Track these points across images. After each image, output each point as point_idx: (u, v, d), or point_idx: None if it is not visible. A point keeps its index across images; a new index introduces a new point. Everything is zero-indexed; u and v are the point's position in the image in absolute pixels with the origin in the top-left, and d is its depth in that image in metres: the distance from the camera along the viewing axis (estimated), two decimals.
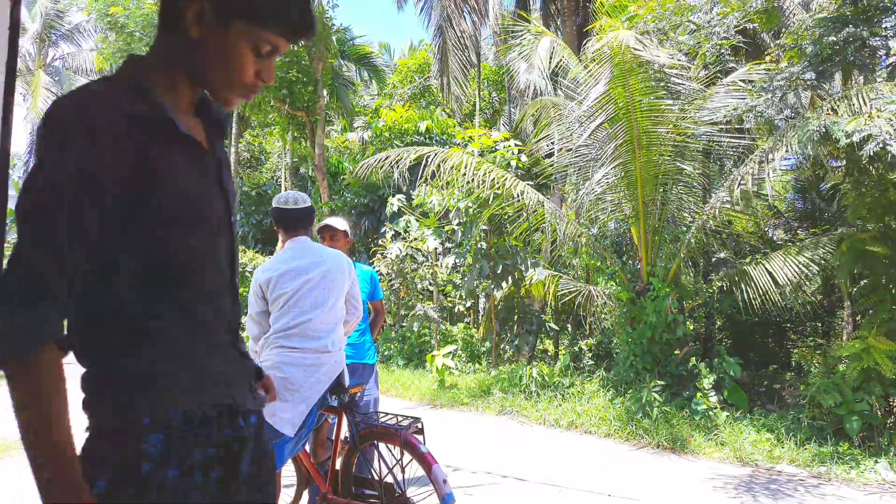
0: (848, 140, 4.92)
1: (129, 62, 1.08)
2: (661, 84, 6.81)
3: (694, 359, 6.85)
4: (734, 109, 6.35)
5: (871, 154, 4.94)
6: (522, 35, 9.51)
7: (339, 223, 3.63)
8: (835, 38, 5.39)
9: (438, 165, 7.59)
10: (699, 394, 6.38)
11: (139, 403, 0.99)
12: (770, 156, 5.91)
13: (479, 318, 11.49)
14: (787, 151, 5.87)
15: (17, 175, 26.48)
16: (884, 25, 5.30)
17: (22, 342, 0.89)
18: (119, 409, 0.99)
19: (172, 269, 1.04)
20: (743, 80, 6.82)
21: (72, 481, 0.88)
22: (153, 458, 0.97)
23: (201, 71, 1.08)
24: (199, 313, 1.07)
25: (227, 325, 1.13)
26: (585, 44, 7.59)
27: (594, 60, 6.88)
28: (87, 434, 1.02)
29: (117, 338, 1.00)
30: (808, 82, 5.69)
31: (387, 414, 3.18)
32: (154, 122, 1.01)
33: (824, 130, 5.29)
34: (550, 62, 8.71)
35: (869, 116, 4.99)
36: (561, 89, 8.62)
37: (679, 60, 6.80)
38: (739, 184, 6.22)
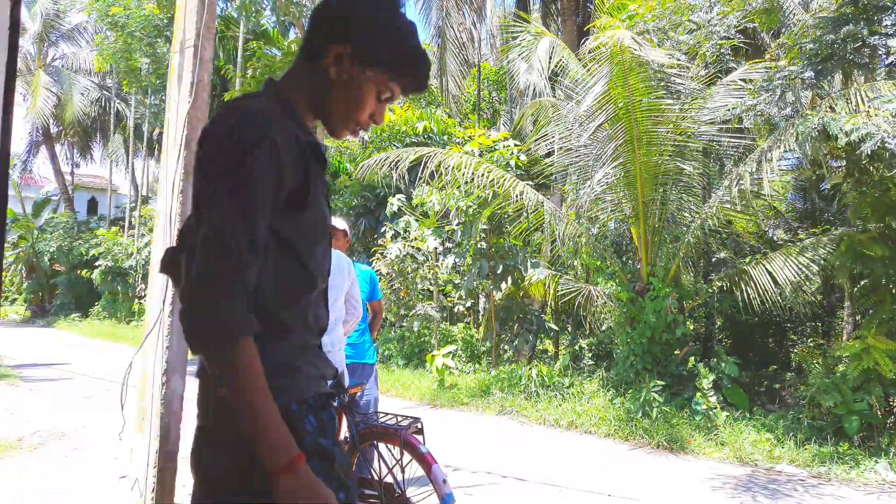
0: (847, 139, 4.92)
1: (273, 84, 1.21)
2: (661, 84, 6.80)
3: (692, 359, 6.85)
4: (734, 108, 6.34)
5: (871, 153, 4.94)
6: (522, 36, 9.51)
7: (339, 223, 3.63)
8: (834, 37, 5.39)
9: (438, 165, 7.59)
10: (699, 394, 6.38)
11: (287, 389, 1.10)
12: (768, 155, 5.91)
13: (480, 318, 11.48)
14: (785, 150, 5.87)
15: (16, 175, 26.50)
16: (883, 24, 5.30)
17: (234, 327, 0.98)
18: (283, 390, 1.09)
19: (305, 275, 1.16)
20: (742, 80, 6.82)
21: (286, 437, 1.01)
22: (311, 432, 1.11)
23: (326, 101, 1.19)
24: (310, 316, 1.19)
25: (320, 331, 1.25)
26: (583, 42, 7.59)
27: (592, 59, 6.88)
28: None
29: (264, 332, 1.07)
30: (808, 81, 5.69)
31: (386, 414, 3.18)
32: (311, 144, 1.13)
33: (822, 128, 5.29)
34: (550, 62, 8.70)
35: (867, 115, 4.99)
36: (561, 90, 8.61)
37: (678, 60, 6.80)
38: (738, 182, 6.22)
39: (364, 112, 1.19)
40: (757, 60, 7.15)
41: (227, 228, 0.99)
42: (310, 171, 1.11)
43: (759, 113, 6.10)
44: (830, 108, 5.57)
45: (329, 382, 1.26)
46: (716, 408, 6.26)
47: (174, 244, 1.30)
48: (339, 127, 1.21)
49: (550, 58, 8.59)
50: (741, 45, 8.02)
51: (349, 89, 1.17)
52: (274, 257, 1.09)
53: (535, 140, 8.48)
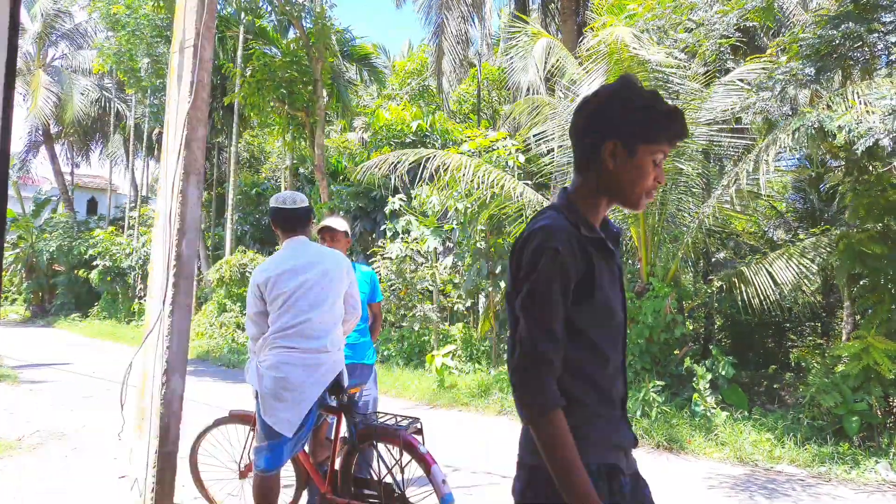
0: (843, 137, 4.92)
1: (565, 195, 1.43)
2: (660, 84, 6.80)
3: (688, 359, 6.83)
4: (733, 105, 6.33)
5: (866, 150, 4.94)
6: (518, 37, 9.51)
7: (340, 224, 3.63)
8: (834, 33, 5.39)
9: (437, 167, 7.58)
10: (696, 394, 6.38)
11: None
12: (765, 154, 5.92)
13: (479, 318, 11.48)
14: (781, 148, 5.87)
15: (15, 175, 26.48)
16: (882, 21, 5.29)
17: (544, 403, 1.24)
18: None
19: (597, 355, 1.34)
20: (740, 80, 6.82)
21: (588, 489, 1.21)
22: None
23: (619, 191, 1.38)
24: (604, 390, 1.35)
25: (620, 401, 1.40)
26: (581, 41, 7.58)
27: (588, 57, 6.87)
28: None
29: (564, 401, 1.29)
30: (807, 78, 5.69)
31: (386, 414, 3.18)
32: (595, 241, 1.35)
33: (819, 125, 5.29)
34: (546, 63, 8.70)
35: (862, 111, 4.99)
36: (561, 91, 8.61)
37: (677, 59, 6.79)
38: (735, 182, 6.21)
39: (648, 181, 1.37)
40: (756, 57, 7.14)
41: (533, 329, 1.26)
42: (593, 263, 1.32)
43: (758, 110, 6.09)
44: (828, 106, 5.57)
45: (620, 455, 1.39)
46: (714, 408, 6.26)
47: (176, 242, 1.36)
48: (634, 203, 1.39)
49: (547, 58, 8.58)
50: (740, 44, 8.02)
51: (630, 172, 1.35)
52: (571, 342, 1.30)
53: (531, 137, 8.44)
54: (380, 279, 9.74)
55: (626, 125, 1.34)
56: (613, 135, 1.34)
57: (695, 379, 6.48)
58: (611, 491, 1.31)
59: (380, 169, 7.98)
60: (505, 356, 9.66)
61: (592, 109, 1.39)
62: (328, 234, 3.60)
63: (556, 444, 1.23)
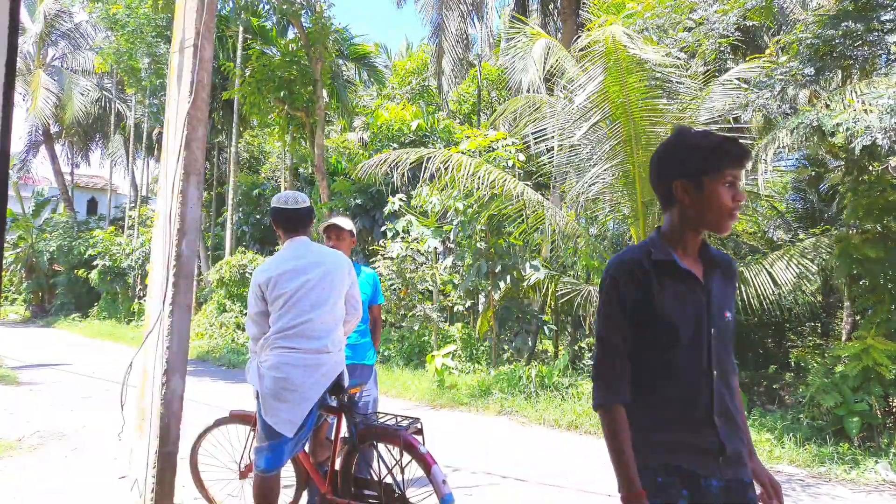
0: (840, 135, 4.93)
1: (658, 231, 1.64)
2: (659, 83, 6.79)
3: None
4: (732, 102, 6.32)
5: (866, 150, 4.93)
6: (518, 37, 9.50)
7: (345, 223, 3.63)
8: (833, 32, 5.38)
9: (438, 167, 7.58)
10: None
11: (639, 449, 1.51)
12: (764, 153, 5.91)
13: (479, 318, 11.48)
14: (780, 146, 5.86)
15: (16, 175, 26.48)
16: (882, 20, 5.29)
17: (605, 400, 1.54)
18: (637, 452, 1.52)
19: (661, 366, 1.55)
20: (738, 79, 6.82)
21: (632, 475, 1.46)
22: (657, 492, 1.49)
23: (700, 220, 1.56)
24: (674, 398, 1.54)
25: (705, 408, 1.53)
26: (575, 40, 7.57)
27: (585, 57, 6.86)
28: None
29: (635, 407, 1.55)
30: (806, 78, 5.68)
31: (386, 414, 3.18)
32: (662, 264, 1.56)
33: (816, 124, 5.29)
34: (545, 64, 8.69)
35: (859, 110, 4.99)
36: (560, 91, 8.60)
37: (676, 58, 6.78)
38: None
39: (726, 205, 1.52)
40: (756, 56, 7.14)
41: (601, 340, 1.58)
42: (652, 289, 1.54)
43: (757, 108, 6.08)
44: (826, 105, 5.57)
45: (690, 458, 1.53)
46: None
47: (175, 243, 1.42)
48: (718, 227, 1.56)
49: (545, 59, 8.58)
50: (739, 43, 8.02)
51: (702, 203, 1.54)
52: (640, 356, 1.55)
53: (531, 137, 8.43)
54: (381, 279, 9.74)
55: (684, 165, 1.56)
56: (678, 175, 1.56)
57: None
58: (689, 490, 1.48)
59: (380, 168, 7.98)
60: (505, 356, 9.68)
61: (657, 159, 1.63)
62: (333, 233, 3.60)
63: (610, 434, 1.51)
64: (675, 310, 1.53)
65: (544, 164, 8.42)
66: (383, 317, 8.54)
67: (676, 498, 1.47)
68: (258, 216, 20.11)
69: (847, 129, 4.91)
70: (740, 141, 1.55)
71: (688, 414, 1.52)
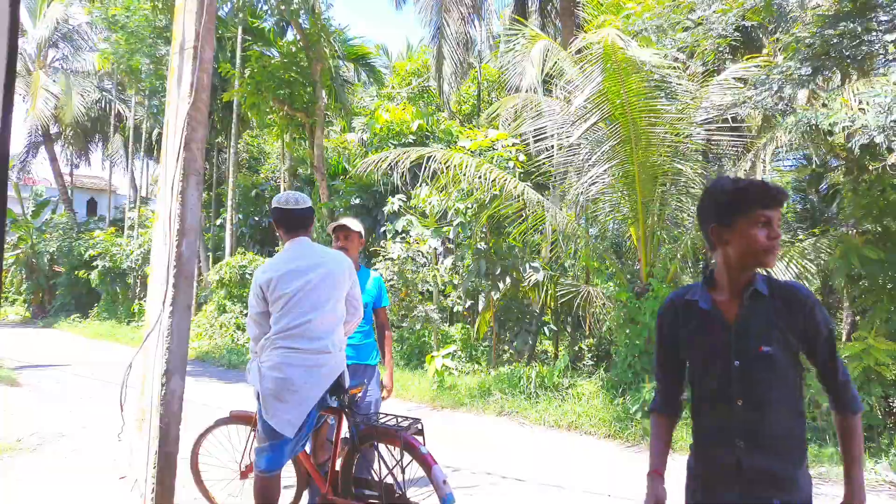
0: (839, 133, 4.93)
1: (711, 272, 1.80)
2: (657, 84, 6.79)
3: None
4: (731, 97, 6.31)
5: (865, 149, 4.93)
6: (516, 39, 9.50)
7: (354, 224, 3.62)
8: (831, 32, 5.39)
9: (439, 165, 7.58)
10: None
11: (693, 452, 1.80)
12: (763, 151, 5.91)
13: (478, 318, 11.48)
14: (779, 146, 5.86)
15: (16, 176, 26.48)
16: (880, 20, 5.29)
17: (650, 407, 1.95)
18: (689, 465, 1.82)
19: (699, 389, 1.76)
20: (736, 78, 6.82)
21: (650, 482, 1.79)
22: (689, 486, 1.79)
23: (740, 257, 1.68)
24: (710, 428, 1.73)
25: (726, 429, 1.68)
26: (572, 42, 7.56)
27: (583, 59, 6.86)
28: None
29: (693, 419, 1.81)
30: (804, 77, 5.68)
31: (387, 415, 3.18)
32: (691, 304, 1.77)
33: (814, 122, 5.29)
34: (544, 66, 8.69)
35: (856, 109, 4.99)
36: (559, 92, 8.60)
37: (675, 58, 6.78)
38: None
39: (760, 242, 1.64)
40: (754, 55, 7.14)
41: (654, 364, 1.92)
42: (679, 324, 1.79)
43: (754, 105, 6.07)
44: (823, 104, 5.58)
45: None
46: None
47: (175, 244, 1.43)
48: (759, 263, 1.68)
49: (544, 61, 8.58)
50: (737, 44, 8.01)
51: (739, 242, 1.67)
52: (690, 382, 1.81)
53: (525, 133, 8.42)
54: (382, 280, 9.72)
55: (716, 210, 1.71)
56: (713, 220, 1.72)
57: None
58: (694, 483, 1.76)
59: (380, 166, 7.98)
60: (505, 357, 9.66)
61: (698, 208, 1.81)
62: (342, 234, 3.59)
63: (652, 432, 1.91)
64: (697, 345, 1.75)
65: (544, 165, 8.42)
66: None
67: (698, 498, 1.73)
68: (256, 217, 20.09)
69: (844, 128, 4.92)
70: (770, 183, 1.66)
71: (714, 435, 1.71)
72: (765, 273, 1.75)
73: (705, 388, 1.73)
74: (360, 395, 3.48)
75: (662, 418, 1.89)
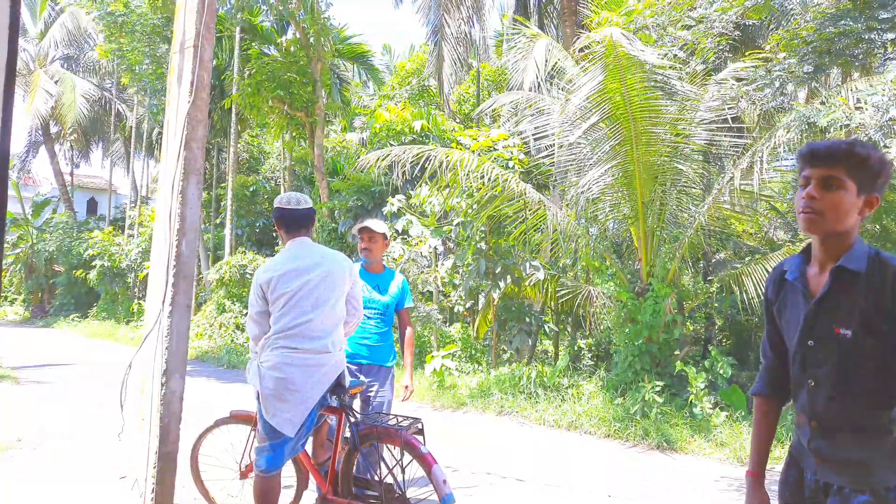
0: (840, 132, 4.93)
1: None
2: (658, 83, 6.78)
3: (680, 363, 6.77)
4: (729, 91, 6.30)
5: None
6: (517, 39, 9.50)
7: (379, 226, 3.61)
8: (832, 30, 5.38)
9: (440, 165, 7.57)
10: (692, 396, 6.37)
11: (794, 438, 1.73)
12: (763, 147, 5.91)
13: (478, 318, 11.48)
14: (777, 144, 5.85)
15: (15, 175, 26.47)
16: (881, 18, 5.28)
17: (752, 390, 1.81)
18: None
19: (791, 367, 1.68)
20: (735, 78, 6.81)
21: (751, 455, 1.77)
22: (784, 471, 1.71)
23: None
24: (796, 399, 1.67)
25: (810, 412, 1.61)
26: (574, 41, 7.56)
27: (584, 57, 6.86)
28: None
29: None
30: (804, 75, 5.67)
31: (387, 415, 3.18)
32: (782, 276, 1.69)
33: (812, 120, 5.29)
34: (546, 64, 8.68)
35: (852, 108, 4.99)
36: (560, 91, 8.60)
37: (675, 56, 6.77)
38: (730, 181, 6.21)
39: (796, 203, 1.60)
40: (755, 51, 7.13)
41: (763, 339, 1.81)
42: (774, 297, 1.72)
43: (753, 100, 6.05)
44: (822, 102, 5.57)
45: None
46: (711, 409, 6.25)
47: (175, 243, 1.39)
48: (800, 225, 1.63)
49: (547, 59, 8.57)
50: (737, 42, 8.00)
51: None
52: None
53: (525, 132, 8.41)
54: None
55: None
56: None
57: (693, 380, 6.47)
58: (796, 481, 1.65)
59: (380, 164, 7.97)
60: (505, 357, 9.66)
61: None
62: (367, 235, 3.58)
63: (754, 415, 1.79)
64: (784, 319, 1.69)
65: (543, 164, 8.41)
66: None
67: (792, 475, 1.67)
68: (252, 218, 20.04)
69: (841, 126, 4.92)
70: (823, 141, 1.55)
71: (798, 414, 1.66)
72: (871, 248, 1.56)
73: (792, 366, 1.65)
74: (372, 395, 3.49)
75: (763, 401, 1.76)
